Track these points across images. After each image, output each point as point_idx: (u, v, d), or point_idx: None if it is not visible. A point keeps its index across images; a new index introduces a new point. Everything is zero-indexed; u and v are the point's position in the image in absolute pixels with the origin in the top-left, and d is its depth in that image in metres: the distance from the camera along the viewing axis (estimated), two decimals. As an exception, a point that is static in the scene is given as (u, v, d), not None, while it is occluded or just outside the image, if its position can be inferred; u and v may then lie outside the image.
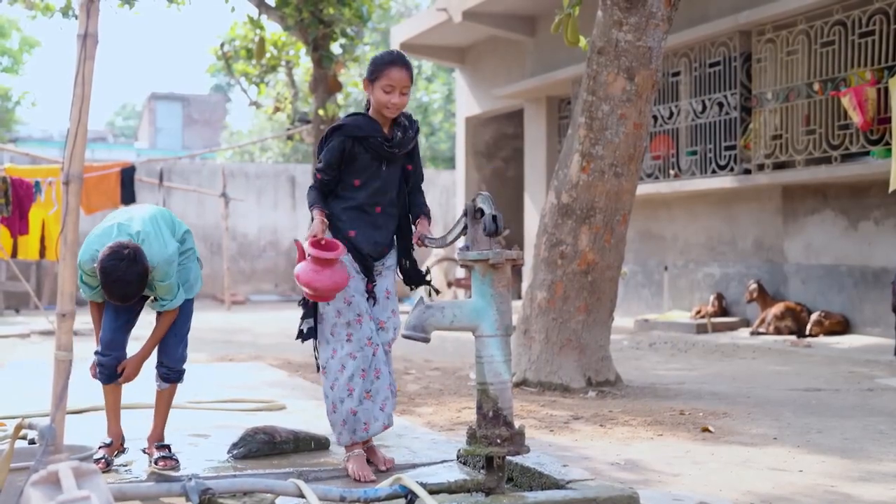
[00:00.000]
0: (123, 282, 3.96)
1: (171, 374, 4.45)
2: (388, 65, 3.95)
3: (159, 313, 4.39)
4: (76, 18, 12.66)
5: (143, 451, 4.46)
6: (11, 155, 17.45)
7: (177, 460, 4.32)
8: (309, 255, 3.76)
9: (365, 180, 4.01)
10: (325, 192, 4.03)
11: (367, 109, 4.08)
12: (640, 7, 6.57)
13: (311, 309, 4.12)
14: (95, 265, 4.05)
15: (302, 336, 4.16)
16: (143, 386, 4.80)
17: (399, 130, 4.05)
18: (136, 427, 4.62)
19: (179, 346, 4.47)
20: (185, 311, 4.48)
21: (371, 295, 4.10)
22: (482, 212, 3.50)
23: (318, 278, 3.73)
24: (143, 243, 4.09)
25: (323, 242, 3.81)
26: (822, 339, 10.01)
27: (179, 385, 4.57)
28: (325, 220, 3.90)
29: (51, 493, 2.39)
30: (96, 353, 4.37)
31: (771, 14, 10.67)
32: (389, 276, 4.18)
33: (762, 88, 11.05)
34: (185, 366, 4.51)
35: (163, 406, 4.49)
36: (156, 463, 4.29)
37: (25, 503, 2.45)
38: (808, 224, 10.85)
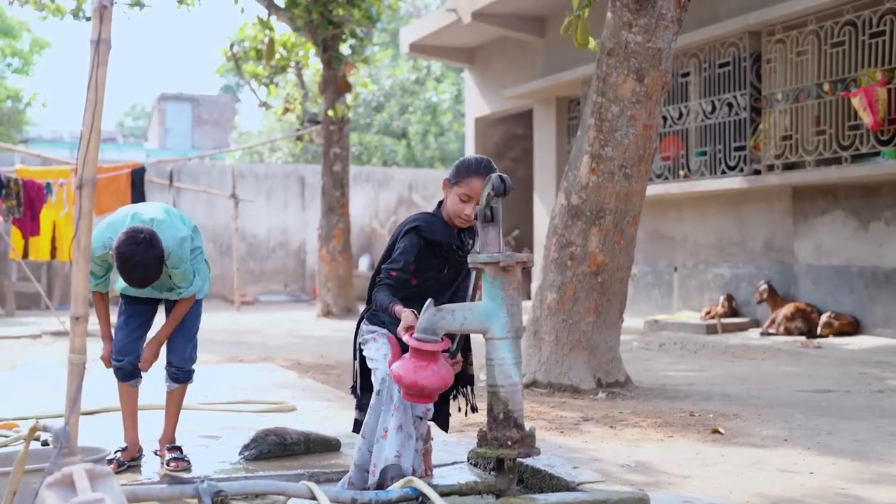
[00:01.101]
0: (141, 265, 3.99)
1: (179, 373, 4.47)
2: (471, 174, 3.73)
3: (173, 304, 4.44)
4: (87, 20, 12.67)
5: (155, 453, 4.49)
6: (22, 156, 17.52)
7: (188, 462, 4.34)
8: (409, 349, 3.42)
9: (423, 281, 3.81)
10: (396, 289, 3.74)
11: (440, 206, 3.88)
12: (649, 9, 6.57)
13: (360, 398, 3.89)
14: (109, 252, 4.09)
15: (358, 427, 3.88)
16: (153, 387, 4.82)
17: (469, 237, 3.87)
18: (148, 428, 4.64)
19: (188, 347, 4.49)
20: (194, 311, 4.51)
21: None
22: (492, 214, 3.50)
23: (424, 375, 3.37)
24: (157, 229, 4.13)
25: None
26: (833, 340, 10.00)
27: (190, 386, 4.59)
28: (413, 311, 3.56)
29: (65, 495, 2.41)
30: (113, 358, 4.41)
31: (781, 14, 10.65)
32: None
33: (772, 89, 11.04)
34: (194, 366, 4.54)
35: (173, 407, 4.52)
36: (167, 464, 4.31)
37: (40, 505, 2.46)
38: (818, 225, 10.83)
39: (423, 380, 3.38)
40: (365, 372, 3.86)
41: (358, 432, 3.80)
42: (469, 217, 3.74)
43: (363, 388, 3.87)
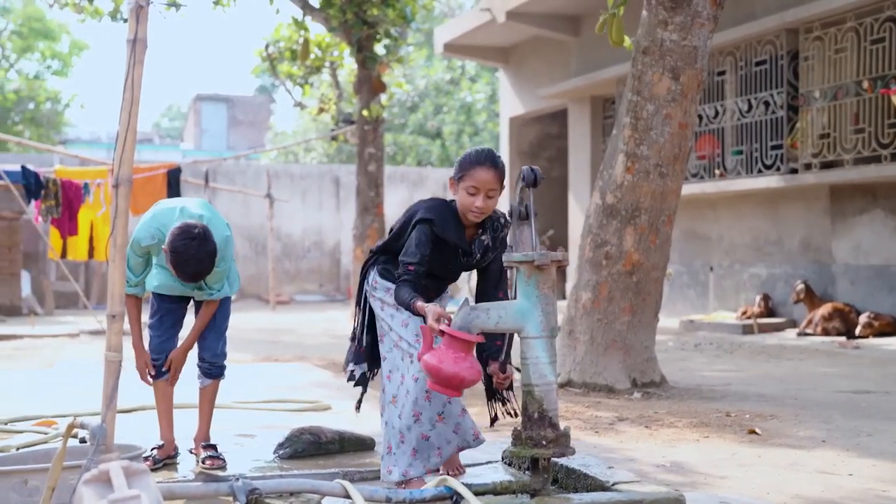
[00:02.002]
0: (195, 260, 4.02)
1: (212, 369, 4.50)
2: (474, 164, 3.68)
3: (201, 304, 4.48)
4: (124, 21, 12.82)
5: (190, 452, 4.51)
6: (61, 157, 17.71)
7: (224, 460, 4.36)
8: (444, 336, 3.39)
9: (433, 268, 3.79)
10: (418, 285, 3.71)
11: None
12: (685, 6, 6.53)
13: (360, 353, 4.01)
14: (155, 244, 4.11)
15: (354, 380, 4.02)
16: (186, 386, 4.85)
17: (479, 248, 3.82)
18: (183, 427, 4.66)
19: (219, 342, 4.53)
20: (224, 308, 4.55)
21: None
22: (526, 213, 3.49)
23: (464, 366, 3.34)
24: (208, 224, 4.16)
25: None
26: (872, 340, 9.88)
27: (226, 385, 4.62)
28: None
29: (102, 492, 2.43)
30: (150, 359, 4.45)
31: (819, 11, 10.55)
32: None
33: (809, 87, 10.93)
34: (225, 361, 4.57)
35: (207, 404, 4.54)
36: (203, 462, 4.33)
37: (77, 501, 2.48)
38: (856, 224, 10.71)
39: (463, 371, 3.34)
40: (371, 324, 3.97)
41: (356, 384, 4.02)
42: (480, 209, 3.69)
43: (365, 338, 3.98)
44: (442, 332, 3.41)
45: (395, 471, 3.75)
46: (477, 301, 3.88)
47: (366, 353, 4.02)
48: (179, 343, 4.53)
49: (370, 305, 3.97)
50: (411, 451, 3.76)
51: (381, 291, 3.90)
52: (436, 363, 3.36)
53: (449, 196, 3.88)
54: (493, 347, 3.86)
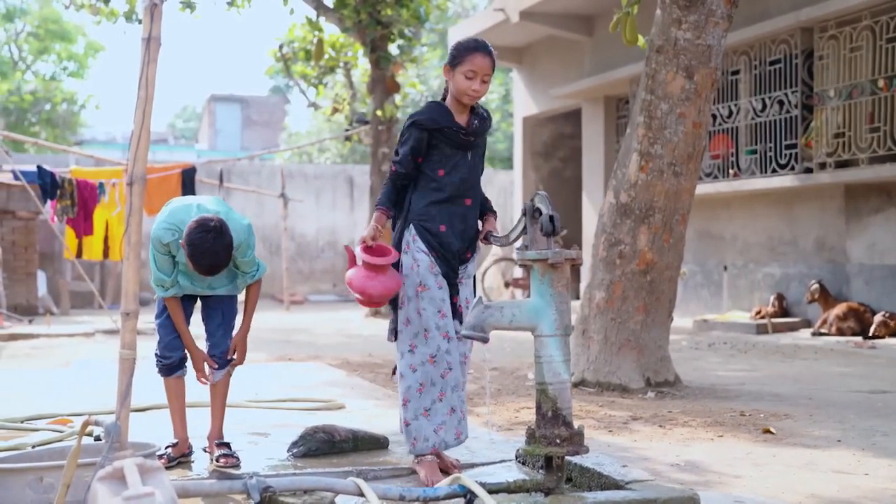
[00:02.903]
0: (212, 253, 4.03)
1: (220, 362, 4.51)
2: (472, 50, 3.87)
3: (206, 303, 4.52)
4: (139, 23, 12.88)
5: (204, 450, 4.52)
6: (77, 157, 17.79)
7: (237, 458, 4.37)
8: (361, 260, 3.73)
9: (449, 170, 3.90)
10: (399, 187, 3.93)
11: (444, 97, 4.00)
12: (699, 5, 6.51)
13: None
14: (181, 241, 4.13)
15: (395, 335, 4.07)
16: (198, 385, 4.86)
17: (476, 119, 3.97)
18: (196, 426, 4.67)
19: (227, 339, 4.54)
20: (233, 306, 4.56)
21: (453, 308, 3.92)
22: (540, 211, 3.49)
23: (370, 284, 3.71)
24: (225, 219, 4.17)
25: (373, 247, 3.76)
26: (887, 340, 9.84)
27: (241, 385, 4.62)
28: (382, 225, 3.83)
29: (116, 489, 2.44)
30: (156, 355, 4.46)
31: (834, 10, 10.50)
32: (469, 286, 4.04)
33: (824, 86, 10.88)
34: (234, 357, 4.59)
35: (219, 400, 4.54)
36: (217, 460, 4.34)
37: (92, 498, 2.50)
38: (871, 224, 10.66)
39: (369, 288, 3.71)
40: None
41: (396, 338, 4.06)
42: (477, 91, 3.88)
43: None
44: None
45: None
46: None
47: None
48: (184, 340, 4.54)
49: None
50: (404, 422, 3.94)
51: (413, 253, 3.90)
52: (350, 278, 3.75)
53: None
54: (487, 206, 4.11)
